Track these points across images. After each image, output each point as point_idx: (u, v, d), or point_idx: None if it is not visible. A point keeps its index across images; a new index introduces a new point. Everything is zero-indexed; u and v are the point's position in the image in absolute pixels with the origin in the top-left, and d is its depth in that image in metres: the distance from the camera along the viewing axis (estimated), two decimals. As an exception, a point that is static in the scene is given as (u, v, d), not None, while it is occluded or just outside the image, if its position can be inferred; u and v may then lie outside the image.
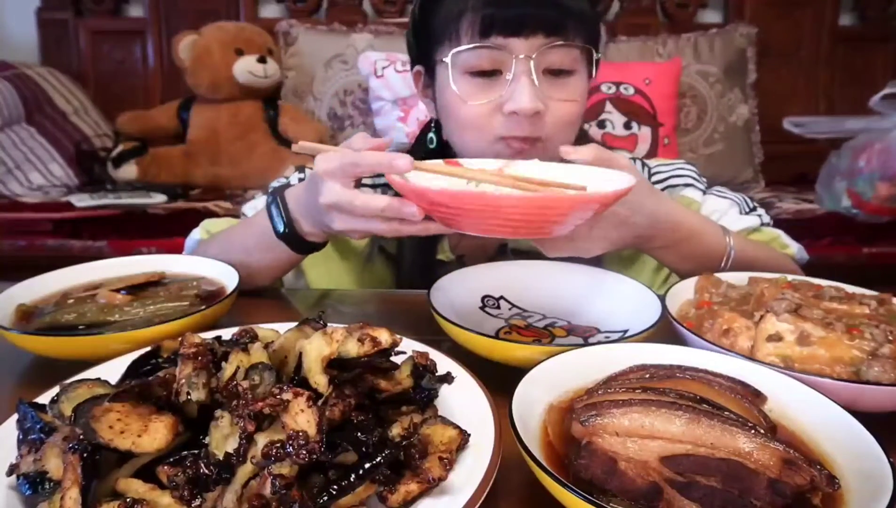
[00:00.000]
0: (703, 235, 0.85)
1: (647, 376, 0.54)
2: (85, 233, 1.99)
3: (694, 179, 1.05)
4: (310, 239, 0.83)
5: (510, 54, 0.84)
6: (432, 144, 1.00)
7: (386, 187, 1.06)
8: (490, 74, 0.87)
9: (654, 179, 1.06)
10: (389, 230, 0.70)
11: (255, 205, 1.04)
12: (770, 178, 2.58)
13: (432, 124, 1.01)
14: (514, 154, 0.86)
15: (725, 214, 1.01)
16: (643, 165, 1.08)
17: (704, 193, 1.04)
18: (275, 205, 0.83)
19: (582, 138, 0.97)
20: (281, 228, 0.82)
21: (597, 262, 0.87)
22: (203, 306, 0.74)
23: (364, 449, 0.44)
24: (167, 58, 2.67)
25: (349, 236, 0.79)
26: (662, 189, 1.05)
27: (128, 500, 0.40)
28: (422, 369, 0.54)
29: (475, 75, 0.88)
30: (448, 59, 0.87)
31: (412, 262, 1.02)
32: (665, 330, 0.67)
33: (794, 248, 1.01)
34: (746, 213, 1.02)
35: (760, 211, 1.04)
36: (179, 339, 0.51)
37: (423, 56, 0.96)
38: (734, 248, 0.86)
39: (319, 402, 0.44)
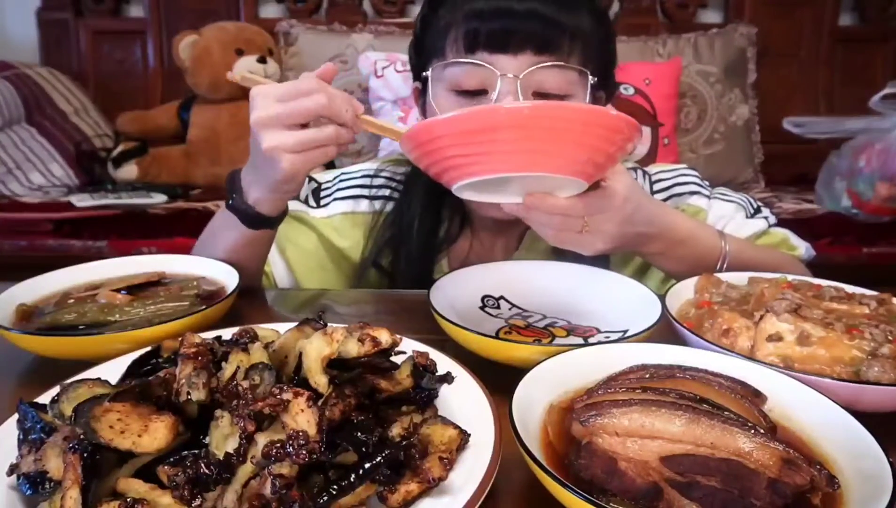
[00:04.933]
0: (698, 238, 0.85)
1: (647, 376, 0.54)
2: (85, 233, 1.98)
3: (698, 185, 1.04)
4: (259, 209, 0.81)
5: (497, 73, 0.79)
6: None
7: (373, 178, 1.05)
8: (476, 94, 0.82)
9: (657, 187, 1.05)
10: (333, 151, 0.73)
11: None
12: (770, 178, 2.58)
13: None
14: None
15: (732, 218, 1.00)
16: (643, 173, 1.06)
17: (709, 198, 1.04)
18: (231, 180, 0.83)
19: None
20: (230, 199, 0.82)
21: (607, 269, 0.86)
22: (203, 306, 0.74)
23: (364, 449, 0.44)
24: (167, 58, 2.67)
25: (296, 175, 0.74)
26: (667, 198, 1.03)
27: (128, 500, 0.40)
28: (422, 369, 0.54)
29: (460, 95, 0.83)
30: (430, 74, 0.84)
31: (407, 279, 0.99)
32: (665, 330, 0.67)
33: (802, 249, 1.00)
34: (752, 215, 1.01)
35: (766, 211, 1.03)
36: (179, 339, 0.51)
37: (419, 72, 0.92)
38: (729, 251, 0.85)
39: (319, 402, 0.44)
